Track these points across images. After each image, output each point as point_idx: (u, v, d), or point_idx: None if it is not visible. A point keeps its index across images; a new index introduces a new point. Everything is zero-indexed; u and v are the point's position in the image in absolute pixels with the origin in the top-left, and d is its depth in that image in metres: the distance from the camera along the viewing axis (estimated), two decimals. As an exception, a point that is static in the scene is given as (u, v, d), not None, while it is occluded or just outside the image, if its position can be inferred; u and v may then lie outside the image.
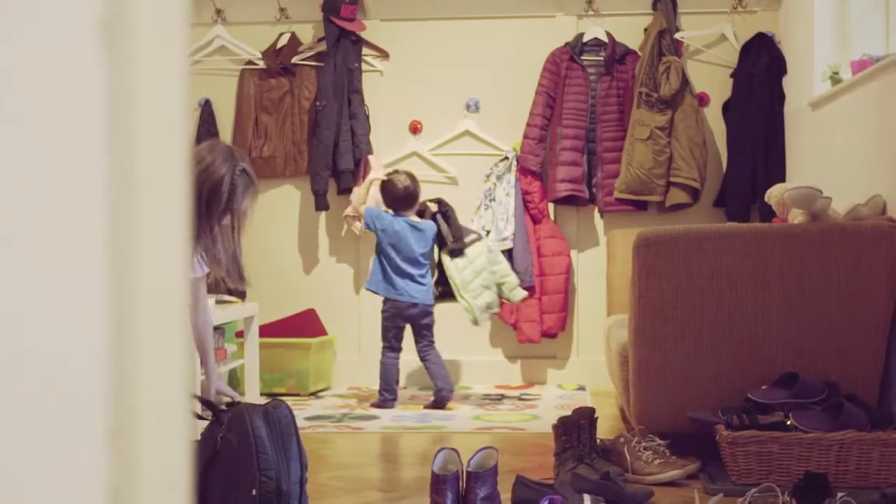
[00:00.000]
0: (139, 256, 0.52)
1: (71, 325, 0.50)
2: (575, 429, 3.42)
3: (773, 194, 3.86)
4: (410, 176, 5.21)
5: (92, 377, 0.50)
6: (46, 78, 0.51)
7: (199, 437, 2.76)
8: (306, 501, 2.78)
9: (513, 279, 5.20)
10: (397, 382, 5.18)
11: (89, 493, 0.49)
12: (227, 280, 3.03)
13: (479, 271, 5.10)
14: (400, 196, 5.14)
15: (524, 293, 5.26)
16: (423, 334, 5.15)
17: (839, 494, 2.82)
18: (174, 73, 0.55)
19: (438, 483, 2.78)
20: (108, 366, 0.50)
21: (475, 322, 5.13)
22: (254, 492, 2.64)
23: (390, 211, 5.18)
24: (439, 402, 5.04)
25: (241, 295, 5.68)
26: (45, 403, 0.49)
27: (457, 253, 5.09)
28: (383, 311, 5.17)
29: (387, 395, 5.10)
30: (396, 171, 5.32)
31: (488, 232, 5.63)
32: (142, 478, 0.51)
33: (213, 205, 2.84)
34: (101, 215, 0.51)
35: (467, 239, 5.13)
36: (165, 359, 0.54)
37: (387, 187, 5.19)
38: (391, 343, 5.17)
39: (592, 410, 3.51)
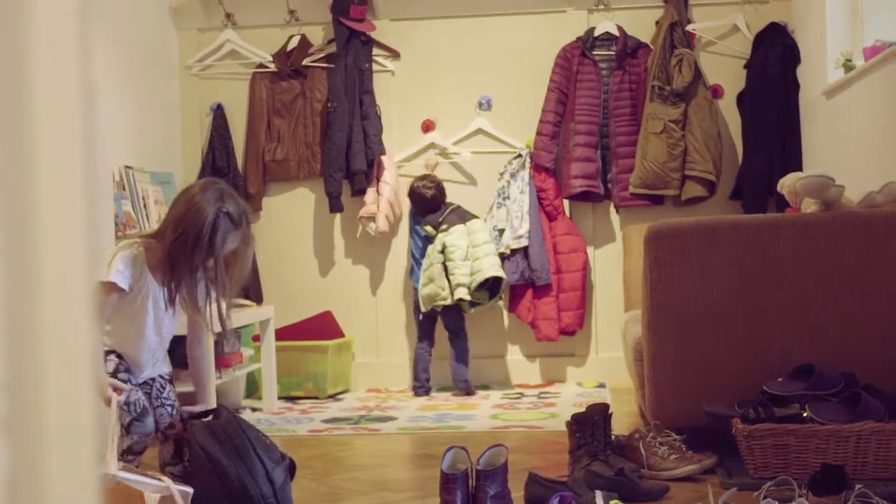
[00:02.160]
0: (38, 238, 0.50)
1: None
2: (589, 425, 3.39)
3: (786, 184, 3.81)
4: (436, 184, 5.60)
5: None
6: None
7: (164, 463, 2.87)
8: (288, 487, 2.81)
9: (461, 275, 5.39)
10: (426, 372, 5.52)
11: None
12: (211, 325, 3.05)
13: (478, 244, 5.43)
14: (426, 204, 5.57)
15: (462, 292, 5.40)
16: (448, 327, 5.54)
17: (857, 486, 2.77)
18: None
19: (447, 482, 2.76)
20: (4, 349, 0.48)
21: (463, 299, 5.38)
22: None
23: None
24: (463, 393, 5.41)
25: (258, 298, 5.69)
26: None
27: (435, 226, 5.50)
28: (414, 302, 5.65)
29: (415, 382, 5.53)
30: (424, 178, 5.63)
31: (501, 231, 5.61)
32: (44, 468, 0.49)
33: (197, 247, 2.83)
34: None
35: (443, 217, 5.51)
36: (69, 346, 0.52)
37: (414, 196, 5.61)
38: (420, 334, 5.58)
39: (606, 406, 3.47)
